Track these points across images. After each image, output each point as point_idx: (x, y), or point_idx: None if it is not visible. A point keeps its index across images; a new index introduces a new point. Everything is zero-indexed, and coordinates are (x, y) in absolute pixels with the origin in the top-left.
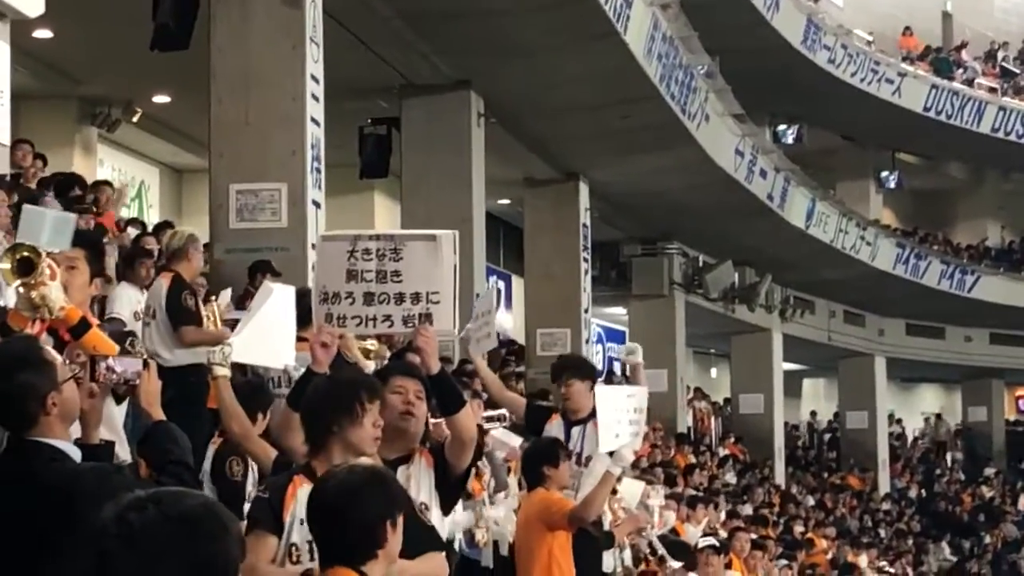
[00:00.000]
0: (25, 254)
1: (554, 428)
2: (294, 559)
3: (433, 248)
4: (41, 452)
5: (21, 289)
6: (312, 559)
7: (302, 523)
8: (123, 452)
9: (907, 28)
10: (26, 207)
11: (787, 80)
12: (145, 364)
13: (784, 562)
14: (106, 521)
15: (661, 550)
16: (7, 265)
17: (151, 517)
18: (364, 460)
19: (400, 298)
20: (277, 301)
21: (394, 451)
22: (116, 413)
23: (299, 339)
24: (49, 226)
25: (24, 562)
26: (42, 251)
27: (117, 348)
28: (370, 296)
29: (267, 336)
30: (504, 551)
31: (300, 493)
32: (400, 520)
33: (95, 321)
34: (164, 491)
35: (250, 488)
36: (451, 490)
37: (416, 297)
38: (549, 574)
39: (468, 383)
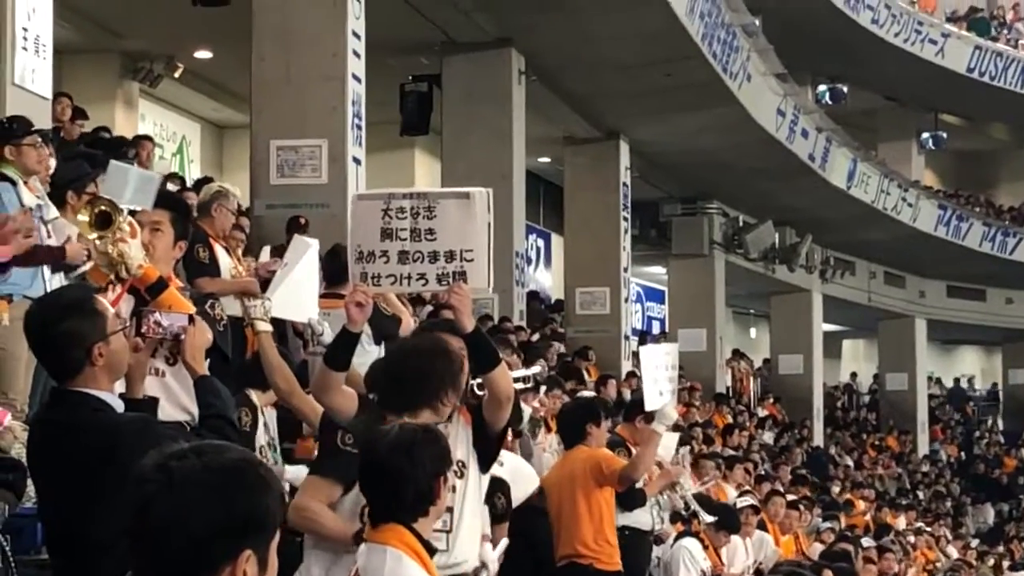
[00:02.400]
0: (104, 208)
1: None
2: (363, 520)
3: (467, 206)
4: (85, 402)
5: (98, 243)
6: None
7: None
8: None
9: None
10: (112, 163)
11: (830, 40)
12: (191, 319)
13: (827, 524)
14: (148, 468)
15: (694, 505)
16: (85, 217)
17: (192, 466)
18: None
19: (434, 256)
20: (308, 256)
21: None
22: (190, 381)
23: (338, 296)
24: (133, 184)
25: (69, 508)
26: (122, 207)
27: (194, 309)
28: (404, 255)
29: (298, 291)
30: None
31: None
32: (450, 476)
33: (177, 283)
34: (207, 443)
35: (261, 439)
36: (489, 448)
37: (450, 255)
38: (599, 530)
39: (508, 341)
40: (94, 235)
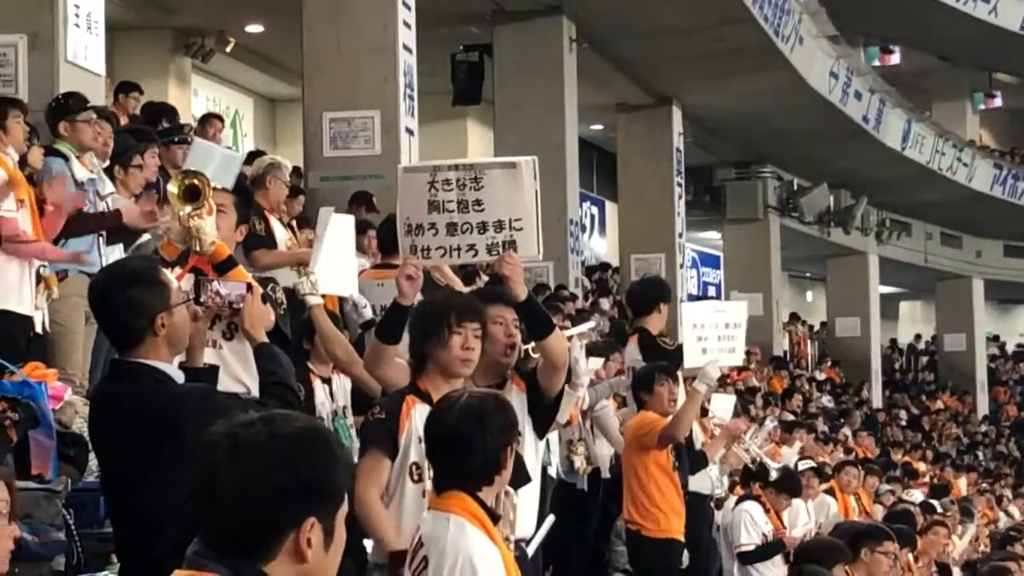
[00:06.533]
0: (195, 182)
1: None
2: (415, 478)
3: (513, 175)
4: (145, 373)
5: (181, 215)
6: None
7: (420, 441)
8: (254, 389)
9: None
10: (197, 140)
11: (881, 1)
12: (249, 288)
13: (888, 487)
14: (217, 435)
15: (761, 456)
16: (175, 189)
17: (259, 433)
18: (458, 383)
19: (483, 227)
20: (336, 229)
21: (488, 377)
22: (251, 355)
23: (389, 266)
24: (216, 162)
25: (131, 480)
26: (211, 182)
27: (261, 290)
28: (453, 226)
29: (336, 265)
30: (606, 474)
31: (415, 413)
32: (515, 447)
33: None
34: (275, 412)
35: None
36: (544, 414)
37: (499, 225)
38: (647, 493)
39: (560, 308)
40: (187, 208)
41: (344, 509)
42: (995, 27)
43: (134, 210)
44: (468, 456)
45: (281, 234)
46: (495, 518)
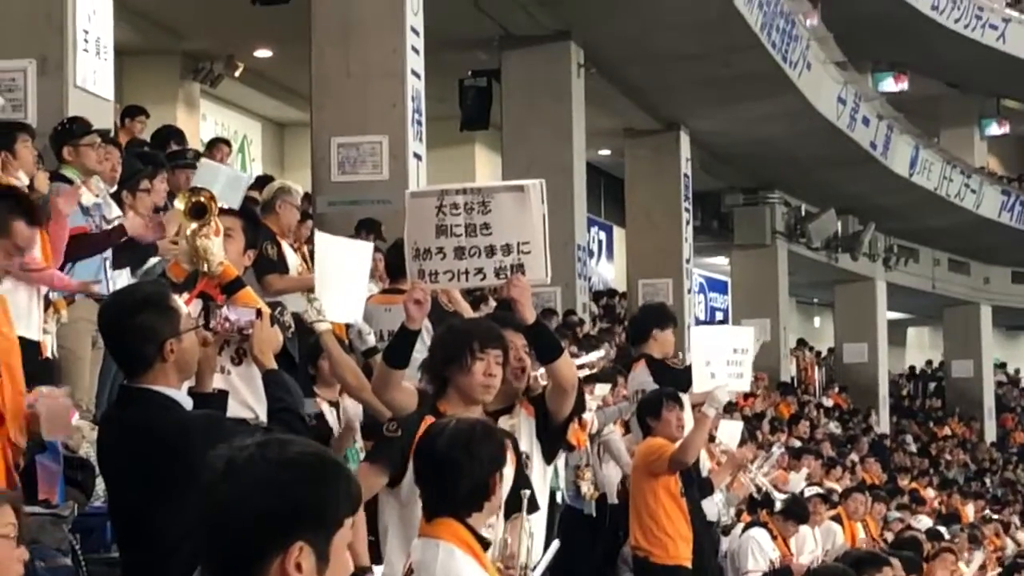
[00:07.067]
0: (201, 200)
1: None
2: None
3: (521, 198)
4: (154, 400)
5: (188, 233)
6: None
7: None
8: (262, 414)
9: None
10: (203, 160)
11: (889, 27)
12: (259, 314)
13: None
14: (215, 458)
15: (766, 486)
16: (181, 205)
17: (251, 456)
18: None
19: (491, 250)
20: (334, 254)
21: (496, 402)
22: (260, 380)
23: (397, 291)
24: (222, 182)
25: (138, 506)
26: (218, 201)
27: (269, 312)
28: (461, 250)
29: (335, 290)
30: (613, 499)
31: None
32: (505, 473)
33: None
34: (273, 437)
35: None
36: (552, 439)
37: (507, 248)
38: (655, 519)
39: (575, 333)
40: (193, 225)
41: (345, 534)
42: (1003, 53)
43: (137, 222)
44: (456, 482)
45: (292, 259)
46: (485, 544)
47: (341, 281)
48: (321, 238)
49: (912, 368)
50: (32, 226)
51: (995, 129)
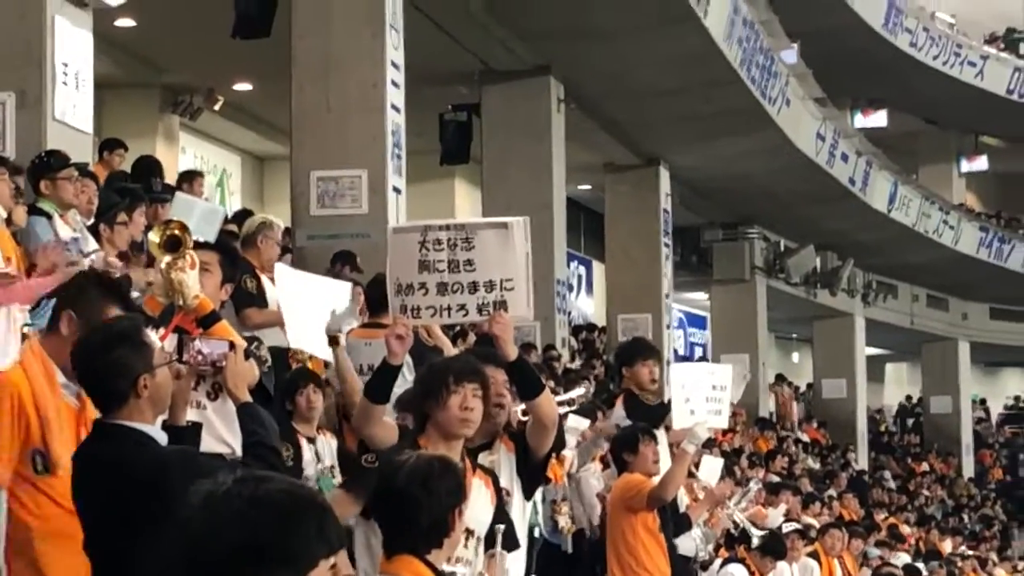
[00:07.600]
0: (176, 232)
1: None
2: None
3: (505, 235)
4: (128, 436)
5: (163, 266)
6: None
7: None
8: (239, 449)
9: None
10: (179, 195)
11: (868, 63)
12: (232, 346)
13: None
14: (193, 494)
15: (744, 523)
16: (156, 238)
17: (227, 492)
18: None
19: (474, 287)
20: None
21: (477, 438)
22: (234, 413)
23: (378, 325)
24: (198, 216)
25: (114, 543)
26: (192, 233)
27: (243, 345)
28: (443, 286)
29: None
30: (590, 533)
31: None
32: (464, 509)
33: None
34: (252, 473)
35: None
36: (533, 475)
37: (490, 285)
38: (635, 556)
39: (553, 368)
40: (168, 258)
41: (320, 574)
42: (981, 90)
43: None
44: (415, 519)
45: (272, 293)
46: None
47: (305, 312)
48: (281, 270)
49: (912, 402)
50: None
51: (973, 165)
